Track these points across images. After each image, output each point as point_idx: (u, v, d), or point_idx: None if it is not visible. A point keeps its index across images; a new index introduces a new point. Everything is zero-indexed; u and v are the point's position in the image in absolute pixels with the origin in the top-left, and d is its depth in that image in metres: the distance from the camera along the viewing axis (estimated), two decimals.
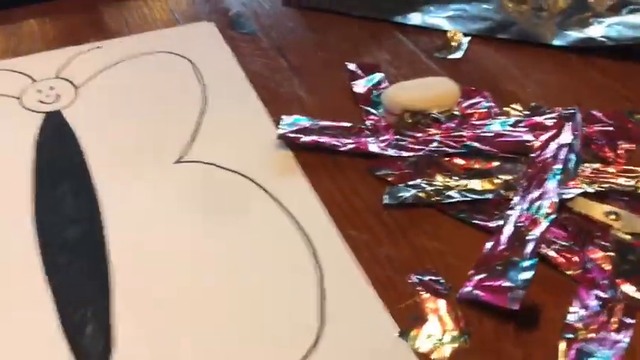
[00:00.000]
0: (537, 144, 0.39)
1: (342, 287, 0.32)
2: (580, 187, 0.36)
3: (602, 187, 0.36)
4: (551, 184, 0.36)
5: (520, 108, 0.44)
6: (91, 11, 0.55)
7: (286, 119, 0.43)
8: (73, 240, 0.36)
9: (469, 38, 0.52)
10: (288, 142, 0.41)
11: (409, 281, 0.33)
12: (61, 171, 0.40)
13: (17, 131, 0.43)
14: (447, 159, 0.40)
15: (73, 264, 0.34)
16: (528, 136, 0.40)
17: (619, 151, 0.40)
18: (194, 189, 0.39)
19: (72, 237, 0.36)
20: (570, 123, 0.40)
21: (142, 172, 0.40)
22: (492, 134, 0.40)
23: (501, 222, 0.35)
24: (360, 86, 0.46)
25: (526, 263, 0.32)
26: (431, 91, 0.43)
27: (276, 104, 0.45)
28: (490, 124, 0.41)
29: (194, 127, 0.43)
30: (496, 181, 0.38)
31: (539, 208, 0.35)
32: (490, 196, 0.37)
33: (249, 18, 0.55)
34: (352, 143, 0.41)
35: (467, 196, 0.37)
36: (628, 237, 0.34)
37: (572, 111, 0.41)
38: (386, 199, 0.37)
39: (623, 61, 0.48)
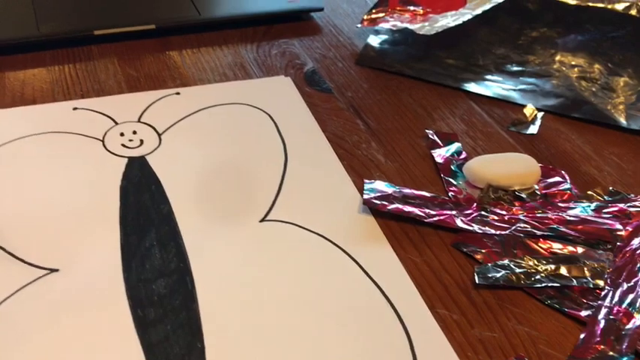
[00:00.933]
0: (625, 233, 0.39)
1: None
2: None
3: None
4: None
5: (600, 192, 0.44)
6: (168, 54, 0.56)
7: (370, 184, 0.43)
8: (162, 294, 0.36)
9: (542, 114, 0.52)
10: (372, 207, 0.42)
11: None
12: (147, 219, 0.40)
13: (101, 174, 0.43)
14: (532, 240, 0.40)
15: (163, 319, 0.34)
16: (616, 224, 0.40)
17: None
18: (279, 248, 0.39)
19: (161, 291, 0.36)
20: None
21: (227, 227, 0.40)
22: (578, 219, 0.41)
23: (592, 312, 0.35)
24: (439, 155, 0.47)
25: (624, 359, 0.32)
26: (514, 167, 0.44)
27: (355, 166, 0.46)
28: (574, 208, 0.42)
29: (277, 185, 0.44)
30: (583, 268, 0.38)
31: (632, 302, 0.35)
32: (577, 282, 0.37)
33: (324, 75, 0.56)
34: (437, 215, 0.41)
35: (555, 282, 0.37)
36: None
37: None
38: (478, 279, 0.37)
39: None
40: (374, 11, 0.62)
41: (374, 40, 0.60)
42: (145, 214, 0.41)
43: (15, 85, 0.50)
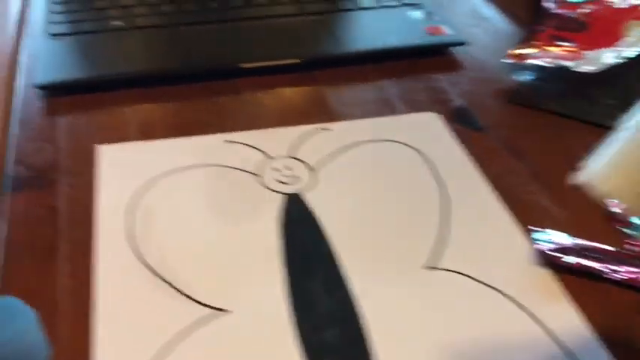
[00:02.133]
0: None
1: None
2: None
3: None
4: None
5: None
6: (313, 88, 0.55)
7: (540, 233, 0.40)
8: (334, 343, 0.34)
9: None
10: (546, 259, 0.39)
11: None
12: (310, 260, 0.39)
13: (260, 210, 0.43)
14: None
15: None
16: None
17: None
18: (450, 298, 0.37)
19: (332, 339, 0.34)
20: None
21: (391, 272, 0.39)
22: None
23: None
24: (613, 202, 0.43)
25: None
26: None
27: (519, 212, 0.43)
28: None
29: (438, 230, 0.42)
30: None
31: None
32: None
33: (474, 112, 0.53)
34: (623, 273, 0.37)
35: None
36: None
37: None
38: None
39: None
40: (521, 46, 0.59)
41: (523, 77, 0.57)
42: (307, 255, 0.40)
43: (167, 116, 0.51)
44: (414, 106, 0.54)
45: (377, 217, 0.43)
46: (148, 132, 0.49)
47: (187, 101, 0.53)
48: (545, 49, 0.58)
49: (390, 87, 0.56)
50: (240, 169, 0.46)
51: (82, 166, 0.46)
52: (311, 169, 0.47)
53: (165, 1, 0.63)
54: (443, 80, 0.58)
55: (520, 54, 0.58)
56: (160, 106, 0.52)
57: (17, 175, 0.45)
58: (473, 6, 0.70)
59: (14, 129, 0.49)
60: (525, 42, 0.59)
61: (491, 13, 0.69)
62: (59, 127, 0.49)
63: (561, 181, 0.46)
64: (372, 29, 0.62)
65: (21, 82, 0.54)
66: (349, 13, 0.64)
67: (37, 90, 0.53)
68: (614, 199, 0.32)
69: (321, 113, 0.53)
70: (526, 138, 0.51)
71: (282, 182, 0.45)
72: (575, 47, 0.58)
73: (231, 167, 0.46)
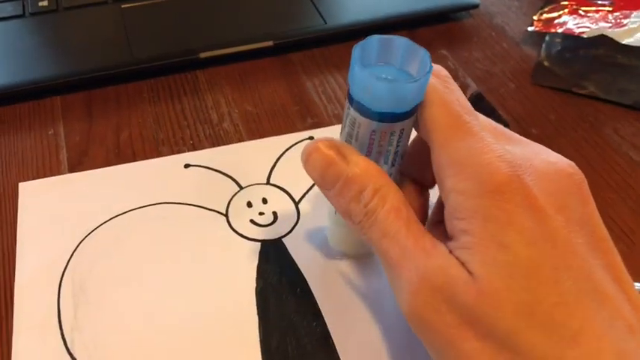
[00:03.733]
0: None
1: None
2: None
3: None
4: None
5: None
6: (291, 79, 0.44)
7: None
8: None
9: None
10: None
11: None
12: (298, 345, 0.30)
13: (229, 268, 0.33)
14: None
15: None
16: None
17: None
18: None
19: None
20: None
21: None
22: None
23: None
24: None
25: None
26: None
27: None
28: None
29: None
30: None
31: None
32: None
33: (494, 101, 0.43)
34: None
35: None
36: None
37: None
38: None
39: None
40: (547, 9, 0.48)
41: (551, 49, 0.46)
42: (294, 337, 0.30)
43: (107, 131, 0.40)
44: None
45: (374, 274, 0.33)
46: (83, 154, 0.39)
47: (136, 107, 0.42)
48: (576, 10, 0.47)
49: None
50: (204, 207, 0.36)
51: (1, 216, 0.35)
52: (293, 200, 0.36)
53: None
54: (449, 57, 0.46)
55: (547, 19, 0.47)
56: (98, 115, 0.41)
57: None
58: None
59: None
60: (553, 3, 0.48)
61: None
62: None
63: (613, 191, 0.36)
64: None
65: None
66: None
67: None
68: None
69: (303, 114, 0.42)
70: (561, 136, 0.40)
71: (257, 224, 0.35)
72: (610, 6, 0.46)
73: (192, 205, 0.36)
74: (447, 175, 0.24)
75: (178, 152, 0.39)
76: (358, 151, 0.26)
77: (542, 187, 0.23)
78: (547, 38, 0.46)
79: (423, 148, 0.26)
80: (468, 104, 0.25)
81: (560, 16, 0.46)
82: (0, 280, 0.32)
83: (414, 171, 0.29)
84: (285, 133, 0.40)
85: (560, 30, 0.45)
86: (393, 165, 0.27)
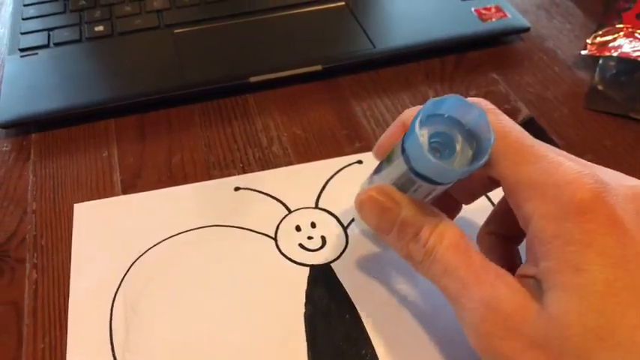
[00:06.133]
0: None
1: None
2: None
3: None
4: None
5: None
6: (339, 103, 0.44)
7: None
8: None
9: None
10: None
11: None
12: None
13: (278, 292, 0.33)
14: None
15: None
16: None
17: None
18: None
19: None
20: None
21: None
22: None
23: None
24: None
25: None
26: None
27: None
28: None
29: None
30: None
31: None
32: None
33: (546, 126, 0.42)
34: None
35: None
36: None
37: None
38: None
39: None
40: (601, 32, 0.47)
41: (605, 72, 0.45)
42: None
43: (160, 153, 0.41)
44: None
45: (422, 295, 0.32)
46: (136, 176, 0.39)
47: (188, 131, 0.43)
48: (633, 34, 0.46)
49: (435, 94, 0.45)
50: (253, 230, 0.36)
51: (56, 235, 0.36)
52: (342, 225, 0.36)
53: None
54: (500, 81, 0.46)
55: (601, 42, 0.46)
56: (151, 139, 0.42)
57: None
58: None
59: None
60: (607, 26, 0.47)
61: None
62: (30, 178, 0.40)
63: None
64: (407, 17, 0.50)
65: None
66: None
67: (0, 129, 0.43)
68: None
69: (351, 137, 0.42)
70: (617, 163, 0.39)
71: (306, 248, 0.35)
72: None
73: (241, 228, 0.36)
74: (523, 199, 0.23)
75: (229, 175, 0.39)
76: (408, 195, 0.26)
77: (625, 207, 0.22)
78: (601, 62, 0.45)
79: (507, 206, 0.26)
80: (524, 131, 0.25)
81: (615, 39, 0.46)
82: (55, 300, 0.33)
83: (501, 227, 0.29)
84: (333, 157, 0.40)
85: (615, 53, 0.44)
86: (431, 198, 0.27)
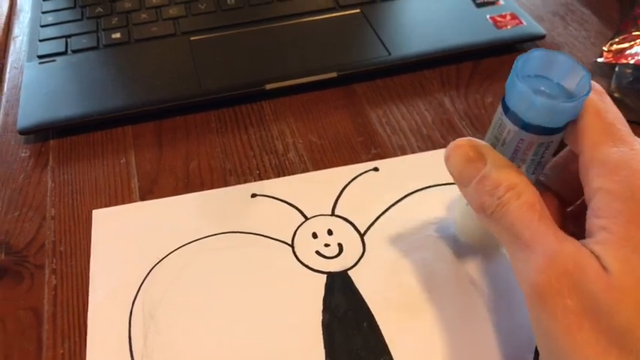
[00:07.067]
0: None
1: None
2: None
3: None
4: None
5: None
6: (354, 109, 0.45)
7: None
8: None
9: None
10: None
11: None
12: None
13: (294, 299, 0.33)
14: None
15: None
16: None
17: None
18: None
19: None
20: None
21: None
22: None
23: None
24: None
25: None
26: None
27: None
28: None
29: None
30: None
31: None
32: None
33: None
34: None
35: None
36: None
37: None
38: None
39: None
40: (617, 40, 0.47)
41: (622, 80, 0.45)
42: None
43: (177, 160, 0.41)
44: (482, 125, 0.43)
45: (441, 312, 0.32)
46: (154, 182, 0.40)
47: (204, 137, 0.43)
48: None
49: (453, 102, 0.45)
50: (270, 237, 0.36)
51: (75, 241, 0.36)
52: (359, 232, 0.36)
53: (173, 1, 0.53)
54: None
55: (618, 50, 0.45)
56: (168, 145, 0.42)
57: None
58: None
59: None
60: (624, 33, 0.47)
61: None
62: (48, 184, 0.40)
63: None
64: (422, 24, 0.50)
65: None
66: (395, 2, 0.52)
67: (19, 135, 0.43)
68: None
69: (367, 144, 0.42)
70: None
71: (323, 255, 0.35)
72: None
73: (258, 234, 0.36)
74: (595, 174, 0.24)
75: (245, 182, 0.39)
76: (499, 154, 0.27)
77: None
78: (617, 69, 0.45)
79: (568, 162, 0.27)
80: (622, 117, 0.26)
81: (631, 47, 0.45)
82: (74, 305, 0.33)
83: (558, 184, 0.30)
84: (349, 164, 0.40)
85: (631, 61, 0.44)
86: (533, 173, 0.28)
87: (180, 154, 0.42)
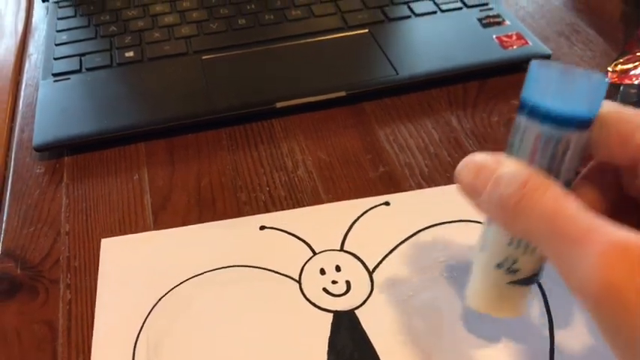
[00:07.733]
0: None
1: None
2: None
3: None
4: None
5: None
6: (363, 128, 0.45)
7: None
8: None
9: None
10: None
11: None
12: None
13: (300, 338, 0.33)
14: None
15: None
16: None
17: None
18: None
19: None
20: None
21: None
22: None
23: None
24: None
25: None
26: None
27: None
28: None
29: None
30: None
31: None
32: None
33: None
34: None
35: None
36: None
37: None
38: None
39: None
40: (622, 60, 0.47)
41: (626, 100, 0.45)
42: None
43: (189, 177, 0.42)
44: (489, 144, 0.44)
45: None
46: (166, 199, 0.40)
47: (213, 155, 0.44)
48: None
49: (460, 121, 0.46)
50: (277, 272, 0.36)
51: (89, 257, 0.37)
52: (367, 269, 0.36)
53: (185, 21, 0.54)
54: None
55: (622, 70, 0.46)
56: (180, 162, 0.43)
57: (6, 276, 0.36)
58: (548, 9, 0.58)
59: (4, 205, 0.41)
60: (628, 54, 0.47)
61: (573, 19, 0.57)
62: (63, 200, 0.41)
63: None
64: (429, 44, 0.51)
65: (14, 141, 0.46)
66: (402, 22, 0.53)
67: (35, 152, 0.44)
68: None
69: (376, 163, 0.43)
70: None
71: (330, 293, 0.35)
72: None
73: (265, 269, 0.36)
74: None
75: (255, 198, 0.40)
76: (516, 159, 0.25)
77: None
78: (622, 89, 0.46)
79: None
80: None
81: (636, 67, 0.46)
82: (89, 320, 0.34)
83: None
84: (357, 182, 0.41)
85: (636, 81, 0.45)
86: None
87: (192, 170, 0.42)
